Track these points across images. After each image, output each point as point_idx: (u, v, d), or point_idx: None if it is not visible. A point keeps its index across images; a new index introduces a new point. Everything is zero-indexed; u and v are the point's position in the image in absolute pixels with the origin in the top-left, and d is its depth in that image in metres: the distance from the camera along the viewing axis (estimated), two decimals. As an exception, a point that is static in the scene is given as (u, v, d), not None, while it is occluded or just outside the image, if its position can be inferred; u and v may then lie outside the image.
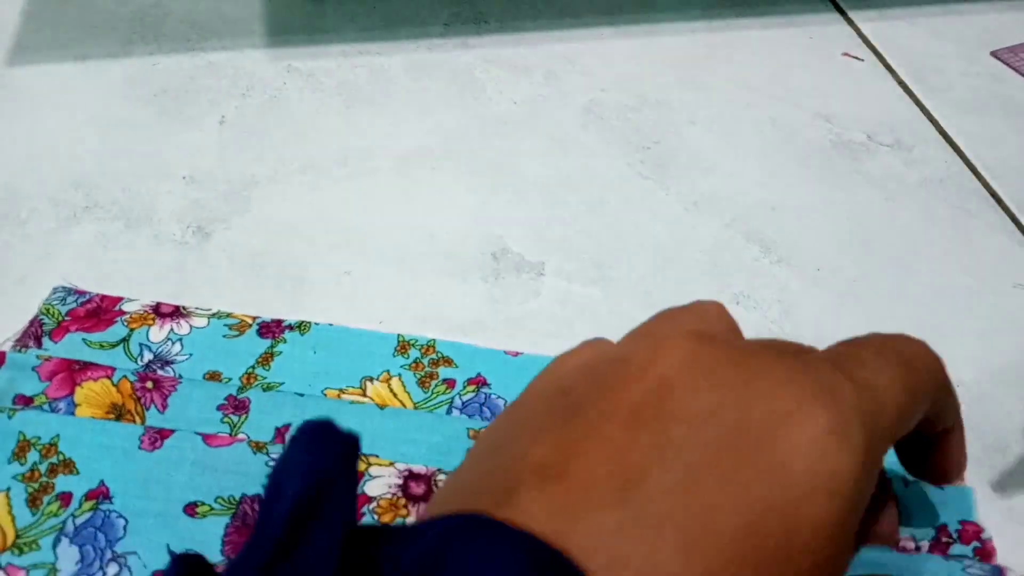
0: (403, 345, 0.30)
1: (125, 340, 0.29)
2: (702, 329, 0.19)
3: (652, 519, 0.14)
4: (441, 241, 0.36)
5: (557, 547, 0.13)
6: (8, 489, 0.25)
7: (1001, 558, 0.26)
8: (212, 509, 0.25)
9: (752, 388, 0.16)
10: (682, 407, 0.16)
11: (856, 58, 0.49)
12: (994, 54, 0.50)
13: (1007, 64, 0.49)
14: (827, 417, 0.16)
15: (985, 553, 0.26)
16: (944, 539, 0.26)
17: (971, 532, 0.26)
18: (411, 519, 0.25)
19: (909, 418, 0.18)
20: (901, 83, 0.48)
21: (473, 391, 0.29)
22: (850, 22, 0.52)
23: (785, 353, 0.18)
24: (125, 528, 0.24)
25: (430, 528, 0.14)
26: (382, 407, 0.28)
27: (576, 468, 0.15)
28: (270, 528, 0.13)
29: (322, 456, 0.14)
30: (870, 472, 0.16)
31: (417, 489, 0.26)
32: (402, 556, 0.14)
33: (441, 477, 0.26)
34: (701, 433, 0.15)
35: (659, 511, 0.14)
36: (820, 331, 0.34)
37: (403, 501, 0.25)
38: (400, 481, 0.26)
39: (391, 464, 0.26)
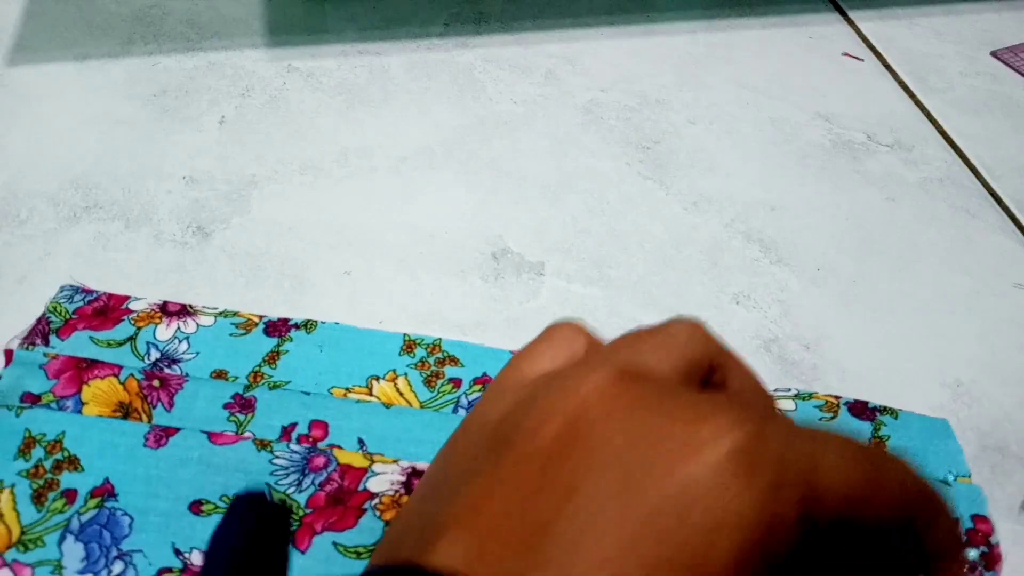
0: (409, 344, 0.30)
1: (132, 338, 0.29)
2: (635, 365, 0.19)
3: (555, 566, 0.15)
4: (441, 241, 0.36)
5: None
6: (13, 485, 0.25)
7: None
8: (217, 507, 0.25)
9: (669, 423, 0.16)
10: (595, 444, 0.16)
11: (856, 58, 0.49)
12: (994, 54, 0.50)
13: (1007, 64, 0.49)
14: (738, 458, 0.15)
15: (991, 558, 0.26)
16: None
17: (981, 533, 0.26)
18: None
19: (856, 507, 0.17)
20: (901, 83, 0.48)
21: (479, 391, 0.29)
22: (850, 22, 0.52)
23: (725, 403, 0.17)
24: (130, 526, 0.24)
25: None
26: (388, 406, 0.28)
27: (491, 516, 0.16)
28: None
29: (255, 525, 0.15)
30: (777, 528, 0.16)
31: None
32: None
33: None
34: (609, 472, 0.16)
35: (559, 559, 0.15)
36: (820, 331, 0.34)
37: (405, 498, 0.26)
38: (403, 478, 0.26)
39: (395, 462, 0.26)
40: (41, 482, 0.25)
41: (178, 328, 0.30)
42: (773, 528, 0.16)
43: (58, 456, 0.25)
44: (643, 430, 0.16)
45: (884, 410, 0.30)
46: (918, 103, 0.46)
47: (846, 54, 0.50)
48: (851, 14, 0.53)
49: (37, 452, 0.25)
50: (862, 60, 0.49)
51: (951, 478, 0.28)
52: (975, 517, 0.27)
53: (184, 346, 0.29)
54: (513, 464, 0.17)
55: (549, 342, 0.21)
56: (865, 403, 0.30)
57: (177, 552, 0.24)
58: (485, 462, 0.17)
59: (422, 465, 0.26)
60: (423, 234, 0.36)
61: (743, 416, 0.16)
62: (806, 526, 0.17)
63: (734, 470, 0.15)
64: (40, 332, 0.29)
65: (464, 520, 0.16)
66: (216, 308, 0.31)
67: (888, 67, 0.49)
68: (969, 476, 0.28)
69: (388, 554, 0.16)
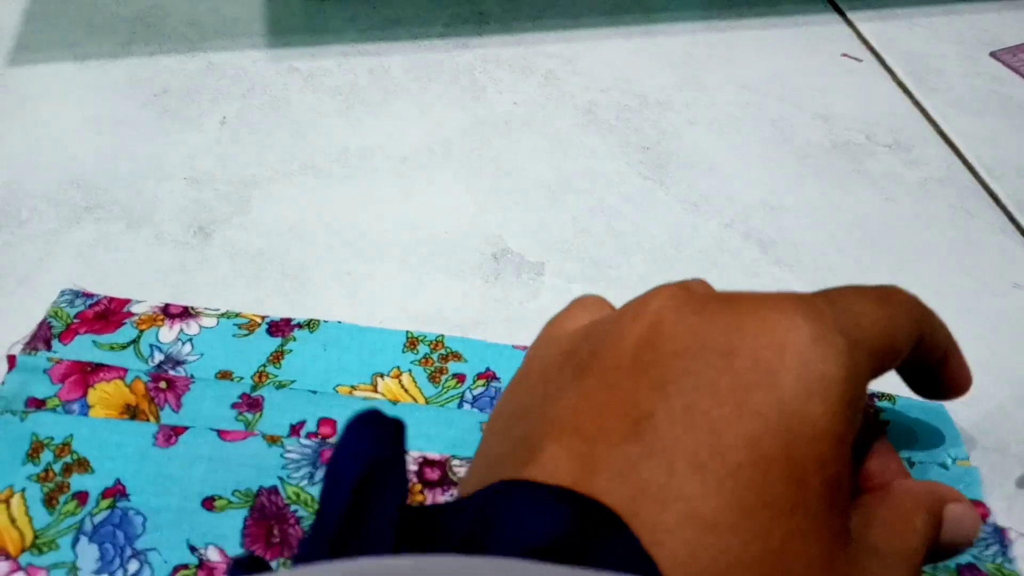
0: (412, 341, 0.31)
1: (135, 341, 0.29)
2: (685, 283, 0.20)
3: (663, 449, 0.15)
4: (441, 241, 0.36)
5: (583, 492, 0.15)
6: (24, 490, 0.25)
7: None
8: (230, 503, 0.25)
9: (737, 313, 0.17)
10: (676, 343, 0.17)
11: (855, 59, 0.49)
12: (994, 55, 0.50)
13: (1007, 65, 0.49)
14: (810, 328, 0.17)
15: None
16: None
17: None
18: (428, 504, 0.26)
19: (892, 343, 0.19)
20: (900, 83, 0.48)
21: (483, 385, 0.29)
22: (849, 23, 0.52)
23: (771, 293, 0.19)
24: (144, 525, 0.24)
25: (471, 500, 0.15)
26: (394, 403, 0.28)
27: (590, 419, 0.16)
28: (331, 512, 0.14)
29: (372, 442, 0.16)
30: (857, 381, 0.17)
31: (432, 475, 0.26)
32: (450, 528, 0.15)
33: (455, 463, 0.27)
34: (697, 361, 0.16)
35: (668, 440, 0.15)
36: (820, 331, 0.34)
37: (419, 487, 0.26)
38: (415, 468, 0.26)
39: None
40: (52, 485, 0.25)
41: (181, 330, 0.30)
42: (856, 386, 0.17)
43: (67, 459, 0.25)
44: (717, 321, 0.17)
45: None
46: (917, 103, 0.46)
47: (845, 55, 0.50)
48: (850, 14, 0.53)
49: (46, 456, 0.25)
50: (861, 60, 0.49)
51: (949, 461, 0.28)
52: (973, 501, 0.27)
53: (188, 348, 0.29)
54: (600, 375, 0.17)
55: (582, 307, 0.23)
56: None
57: (192, 549, 0.24)
58: (569, 382, 0.18)
59: (433, 455, 0.27)
60: (423, 234, 0.36)
61: (793, 295, 0.18)
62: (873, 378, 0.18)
63: (811, 339, 0.16)
64: (42, 337, 0.29)
65: (565, 427, 0.16)
66: (218, 309, 0.31)
67: (887, 67, 0.49)
68: (968, 459, 0.28)
69: (490, 478, 0.16)
